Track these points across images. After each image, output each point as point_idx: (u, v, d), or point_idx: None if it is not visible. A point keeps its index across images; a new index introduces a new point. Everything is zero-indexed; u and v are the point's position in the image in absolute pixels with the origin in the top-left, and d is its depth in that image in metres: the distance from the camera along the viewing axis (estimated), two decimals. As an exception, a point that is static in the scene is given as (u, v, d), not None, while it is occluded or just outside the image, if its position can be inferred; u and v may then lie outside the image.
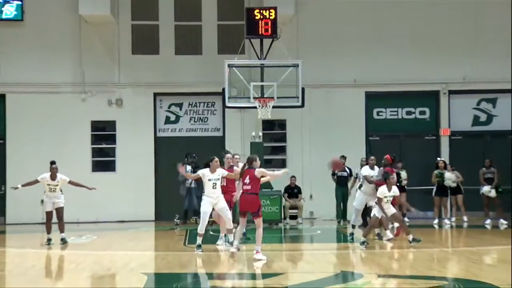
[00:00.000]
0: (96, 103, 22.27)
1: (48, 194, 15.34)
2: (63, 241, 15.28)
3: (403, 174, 19.25)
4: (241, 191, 12.64)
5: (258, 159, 12.58)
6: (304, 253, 13.96)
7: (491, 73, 21.83)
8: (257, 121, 20.48)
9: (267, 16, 19.27)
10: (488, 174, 19.52)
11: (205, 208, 13.37)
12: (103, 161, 22.53)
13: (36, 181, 15.34)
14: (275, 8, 19.36)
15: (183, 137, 22.57)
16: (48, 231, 15.28)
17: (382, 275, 10.91)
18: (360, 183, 15.30)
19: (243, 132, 22.06)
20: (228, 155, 14.57)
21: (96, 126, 22.49)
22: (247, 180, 12.37)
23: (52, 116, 22.02)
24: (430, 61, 22.01)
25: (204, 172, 13.36)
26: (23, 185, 15.39)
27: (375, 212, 14.17)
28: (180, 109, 22.83)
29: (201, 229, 13.52)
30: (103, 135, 22.59)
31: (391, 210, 14.18)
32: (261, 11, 19.42)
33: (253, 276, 11.03)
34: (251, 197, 12.36)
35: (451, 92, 22.34)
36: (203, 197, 13.46)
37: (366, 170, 15.17)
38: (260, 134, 20.54)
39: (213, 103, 22.69)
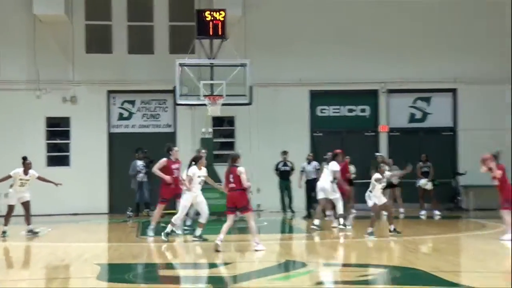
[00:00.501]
0: (50, 100, 21.97)
1: (17, 189, 15.04)
2: (33, 233, 15.09)
3: (352, 168, 19.45)
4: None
5: (240, 156, 12.51)
6: (252, 244, 13.96)
7: (426, 73, 22.20)
8: (207, 118, 20.45)
9: (217, 18, 19.26)
10: (424, 168, 19.82)
11: (187, 202, 13.50)
12: (58, 156, 22.23)
13: (9, 176, 15.02)
14: (224, 10, 19.37)
15: (136, 133, 22.42)
16: (6, 223, 15.00)
17: (324, 264, 11.02)
18: (332, 178, 15.28)
19: (193, 128, 21.99)
20: (176, 148, 14.84)
21: (51, 122, 22.22)
22: (231, 178, 12.14)
23: (7, 112, 21.65)
24: (370, 62, 22.27)
25: (194, 172, 13.44)
26: None
27: (375, 200, 14.06)
28: (133, 106, 22.66)
29: (175, 219, 13.55)
30: (58, 131, 22.30)
31: (382, 199, 14.15)
32: (211, 12, 19.40)
33: (203, 266, 11.01)
34: (238, 193, 12.07)
35: (389, 91, 22.64)
36: (186, 192, 13.41)
37: (336, 166, 15.29)
38: (210, 130, 20.52)
39: (164, 101, 22.57)
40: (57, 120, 22.26)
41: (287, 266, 10.80)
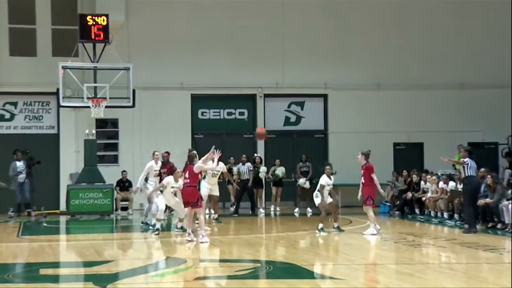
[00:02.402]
0: None
1: None
2: None
3: (235, 169, 19.60)
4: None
5: (197, 156, 12.95)
6: (134, 242, 13.81)
7: (299, 79, 22.63)
8: (91, 120, 20.02)
9: (99, 22, 18.88)
10: (304, 167, 20.23)
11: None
12: None
13: None
14: (106, 15, 19.03)
15: (18, 134, 21.57)
16: None
17: (204, 260, 11.05)
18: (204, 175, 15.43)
19: (77, 130, 21.43)
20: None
21: None
22: (187, 175, 12.66)
23: None
24: (248, 68, 22.48)
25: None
26: None
27: (324, 198, 14.05)
28: (15, 108, 21.80)
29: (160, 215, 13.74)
30: None
31: (329, 199, 14.16)
32: (94, 17, 19.00)
33: (84, 264, 10.75)
34: (190, 189, 12.63)
35: (266, 96, 22.93)
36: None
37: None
38: (94, 132, 20.11)
39: (48, 102, 21.85)
40: None
41: (169, 262, 10.74)
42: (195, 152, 13.12)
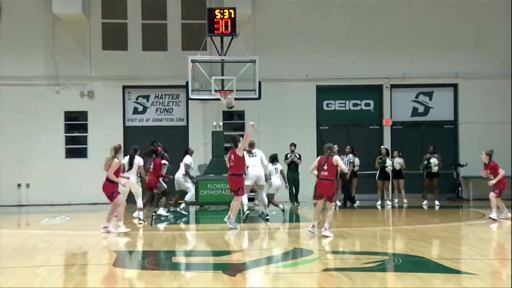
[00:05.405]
0: (69, 95, 22.01)
1: None
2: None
3: (357, 160, 19.48)
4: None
5: (336, 148, 12.66)
6: (261, 232, 13.97)
7: (428, 69, 22.12)
8: (218, 112, 20.44)
9: (227, 16, 19.26)
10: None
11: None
12: (76, 148, 22.26)
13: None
14: (234, 9, 19.36)
15: (150, 126, 22.44)
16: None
17: (331, 251, 10.99)
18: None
19: (205, 121, 21.99)
20: None
21: (69, 116, 22.25)
22: (325, 167, 12.12)
23: (28, 106, 21.71)
24: (374, 58, 22.19)
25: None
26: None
27: None
28: (147, 101, 22.66)
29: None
30: (76, 125, 22.33)
31: None
32: (222, 11, 19.40)
33: (213, 253, 10.99)
34: (328, 183, 12.17)
35: (392, 86, 22.55)
36: None
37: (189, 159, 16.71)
38: (221, 123, 20.52)
39: (177, 95, 22.56)
40: (75, 114, 22.30)
41: (296, 253, 10.77)
42: (332, 144, 12.58)
